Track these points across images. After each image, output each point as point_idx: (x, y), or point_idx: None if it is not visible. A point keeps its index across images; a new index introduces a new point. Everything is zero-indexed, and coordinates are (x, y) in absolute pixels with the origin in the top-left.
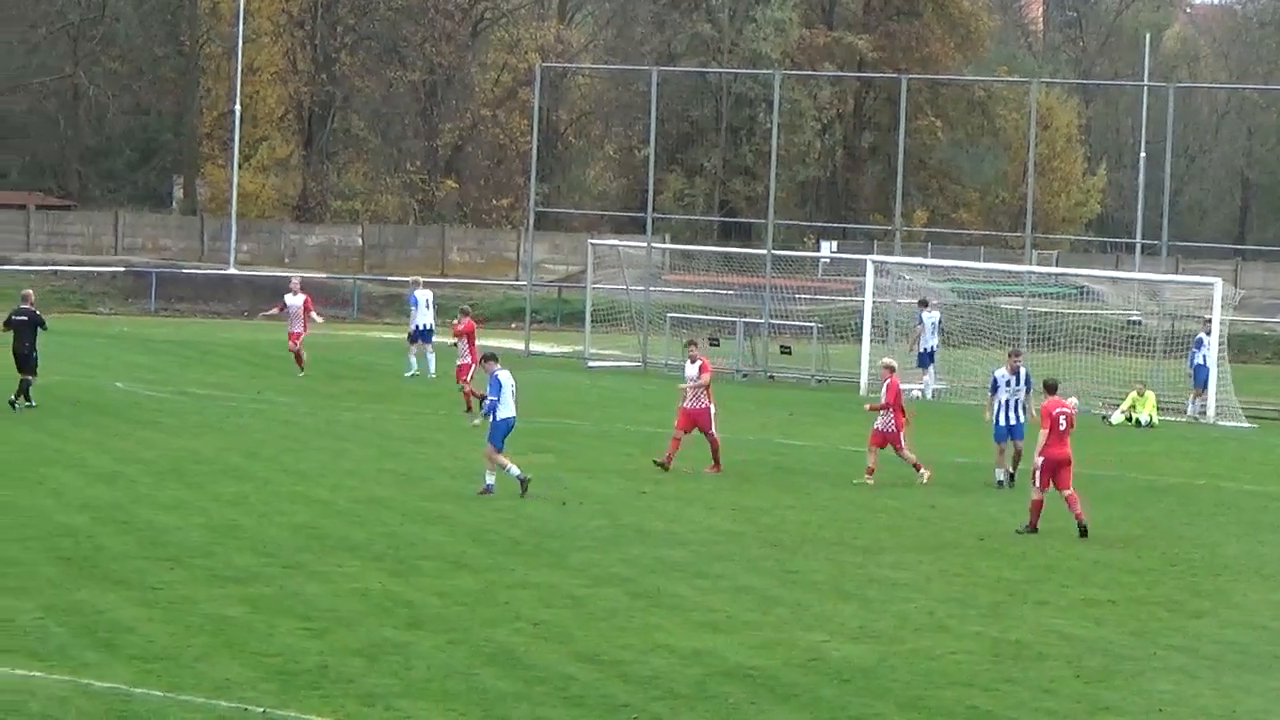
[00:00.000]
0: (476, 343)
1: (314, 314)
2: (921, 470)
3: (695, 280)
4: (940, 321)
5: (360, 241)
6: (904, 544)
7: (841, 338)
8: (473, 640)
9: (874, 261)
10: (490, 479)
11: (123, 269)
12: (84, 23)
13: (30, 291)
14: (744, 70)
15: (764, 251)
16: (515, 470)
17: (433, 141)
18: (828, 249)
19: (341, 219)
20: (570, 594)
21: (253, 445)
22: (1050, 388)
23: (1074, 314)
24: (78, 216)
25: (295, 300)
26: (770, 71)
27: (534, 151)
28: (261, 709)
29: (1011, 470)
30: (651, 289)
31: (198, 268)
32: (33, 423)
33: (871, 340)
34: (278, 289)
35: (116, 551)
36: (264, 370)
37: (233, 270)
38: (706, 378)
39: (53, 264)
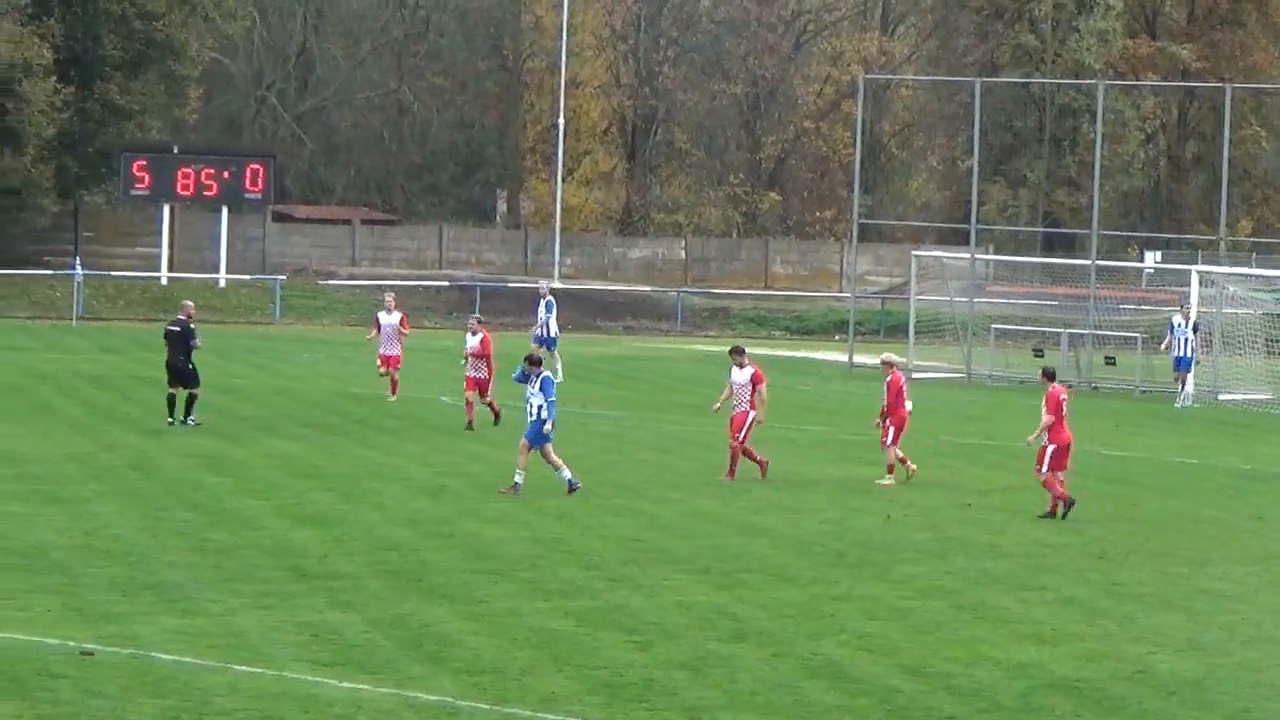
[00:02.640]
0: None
1: (405, 332)
2: (889, 477)
3: (1019, 291)
4: (1197, 328)
5: (683, 254)
6: (1230, 555)
7: (1167, 348)
8: (797, 653)
9: (1199, 272)
10: (567, 473)
11: (447, 283)
12: (408, 38)
13: (190, 303)
14: (1067, 80)
15: (1088, 262)
16: (562, 474)
17: (755, 154)
18: (1152, 259)
19: (664, 232)
20: (895, 606)
21: (576, 458)
22: (1050, 375)
23: None
24: (402, 231)
25: (390, 319)
26: (1094, 81)
27: (857, 163)
28: None
29: None
30: (975, 300)
31: (522, 282)
32: (359, 438)
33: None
34: (602, 302)
35: (442, 565)
36: (588, 384)
37: (557, 284)
38: (763, 389)
39: (377, 279)
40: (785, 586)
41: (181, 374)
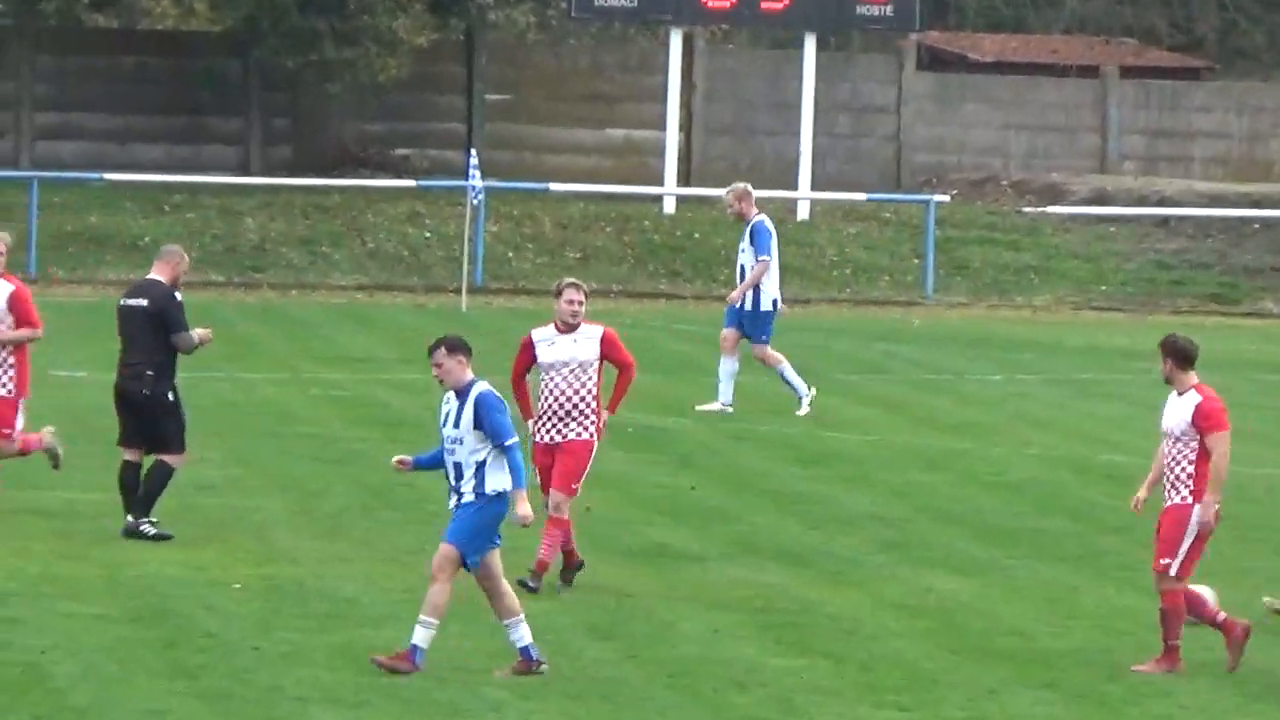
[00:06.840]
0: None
1: (34, 331)
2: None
3: None
4: None
5: None
6: None
7: None
8: None
9: None
10: (525, 636)
11: None
12: None
13: (175, 249)
14: None
15: None
16: (514, 634)
17: None
18: None
19: None
20: None
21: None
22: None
23: None
24: (1215, 95)
25: None
26: None
27: None
28: None
29: None
30: None
31: None
32: (921, 554)
33: None
34: None
35: None
36: None
37: None
38: (1220, 448)
39: (1154, 203)
40: None
41: (141, 414)
